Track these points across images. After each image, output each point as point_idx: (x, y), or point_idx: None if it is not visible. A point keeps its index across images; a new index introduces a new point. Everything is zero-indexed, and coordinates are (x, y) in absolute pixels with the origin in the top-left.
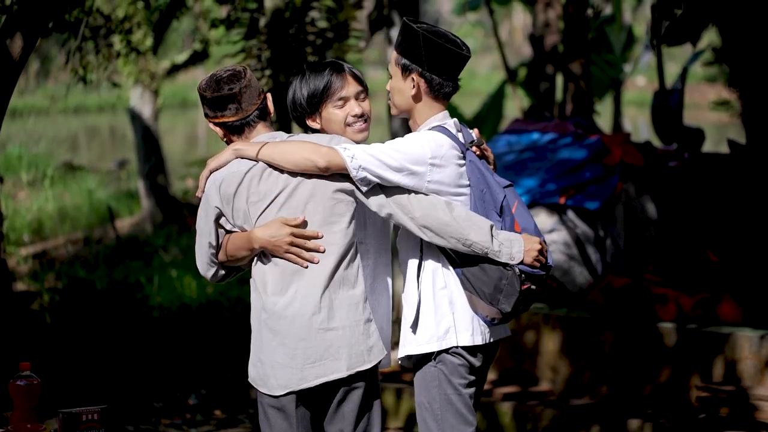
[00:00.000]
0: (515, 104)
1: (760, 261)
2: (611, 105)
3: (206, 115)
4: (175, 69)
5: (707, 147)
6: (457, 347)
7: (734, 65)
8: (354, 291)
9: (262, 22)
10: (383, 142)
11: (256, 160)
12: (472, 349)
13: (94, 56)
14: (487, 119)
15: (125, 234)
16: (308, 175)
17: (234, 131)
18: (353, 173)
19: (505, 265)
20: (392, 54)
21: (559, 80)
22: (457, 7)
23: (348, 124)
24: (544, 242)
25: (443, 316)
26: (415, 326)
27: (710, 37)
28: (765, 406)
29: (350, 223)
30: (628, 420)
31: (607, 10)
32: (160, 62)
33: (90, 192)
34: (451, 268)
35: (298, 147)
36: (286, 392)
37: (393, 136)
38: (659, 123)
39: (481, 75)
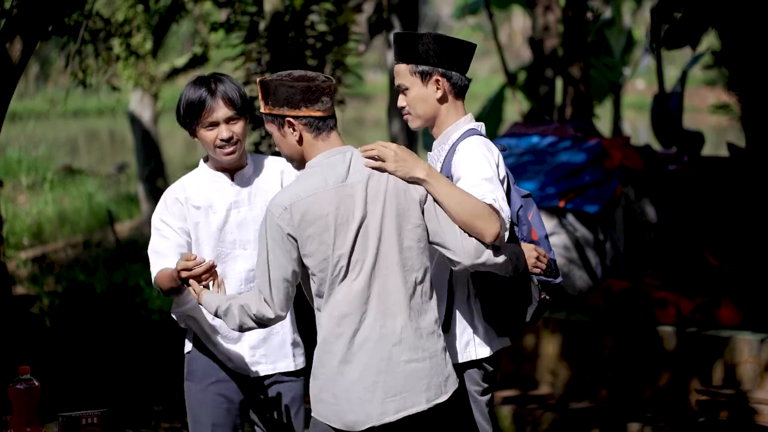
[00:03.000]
0: (515, 108)
1: (759, 264)
2: (611, 108)
3: (276, 107)
4: (174, 72)
5: (707, 150)
6: (476, 359)
7: (734, 68)
8: (431, 318)
9: (262, 25)
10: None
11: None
12: (487, 359)
13: (94, 60)
14: (486, 122)
15: (125, 237)
16: (391, 200)
17: (315, 129)
18: (507, 225)
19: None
20: (399, 68)
21: (559, 84)
22: (457, 11)
23: (217, 147)
24: (549, 252)
25: (465, 328)
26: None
27: (710, 40)
28: (764, 410)
29: (425, 248)
30: (627, 423)
31: (607, 13)
32: (159, 66)
33: (90, 195)
34: (470, 279)
35: (471, 201)
36: (366, 428)
37: (392, 139)
38: (659, 126)
39: (480, 78)
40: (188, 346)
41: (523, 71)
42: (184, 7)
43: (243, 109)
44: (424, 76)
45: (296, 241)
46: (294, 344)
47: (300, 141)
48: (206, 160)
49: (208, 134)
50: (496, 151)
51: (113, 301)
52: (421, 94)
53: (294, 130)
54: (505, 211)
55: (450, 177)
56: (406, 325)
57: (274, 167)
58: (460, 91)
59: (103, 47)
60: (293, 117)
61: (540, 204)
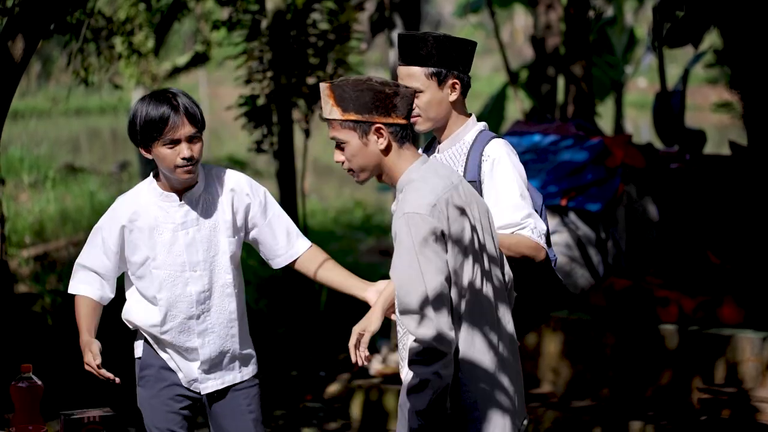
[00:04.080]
0: (516, 106)
1: (761, 263)
2: (613, 107)
3: (362, 113)
4: (176, 71)
5: (709, 149)
6: None
7: (736, 67)
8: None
9: (264, 24)
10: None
11: None
12: None
13: (96, 58)
14: (488, 121)
15: None
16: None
17: (400, 138)
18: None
19: None
20: (411, 71)
21: (561, 82)
22: (459, 9)
23: (177, 166)
24: (549, 250)
25: None
26: None
27: (712, 38)
28: (766, 408)
29: None
30: (629, 422)
31: (609, 12)
32: (161, 64)
33: (91, 194)
34: None
35: (515, 240)
36: None
37: None
38: (661, 125)
39: (482, 77)
40: (138, 350)
41: (525, 69)
42: (185, 5)
43: (203, 127)
44: (441, 80)
45: (447, 241)
46: (243, 358)
47: (387, 150)
48: (156, 176)
49: (168, 152)
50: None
51: (114, 299)
52: (437, 98)
53: (382, 137)
54: (541, 230)
55: (478, 182)
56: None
57: (225, 185)
58: (466, 91)
59: (105, 45)
60: (384, 124)
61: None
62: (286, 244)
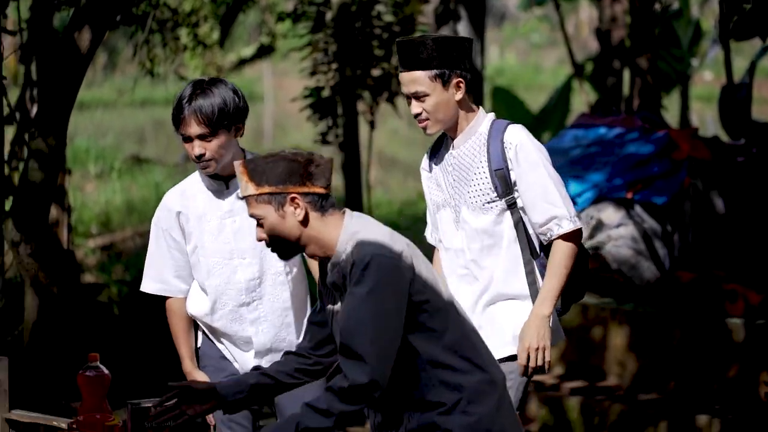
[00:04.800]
0: (582, 99)
1: None
2: (678, 100)
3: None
4: (241, 63)
5: None
6: None
7: None
8: None
9: (329, 15)
10: None
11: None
12: None
13: (161, 49)
14: (553, 113)
15: None
16: None
17: (320, 207)
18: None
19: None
20: (415, 76)
21: (626, 75)
22: (523, 2)
23: (193, 159)
24: None
25: None
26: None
27: None
28: None
29: None
30: (695, 416)
31: (675, 4)
32: (226, 56)
33: (157, 185)
34: (537, 258)
35: (565, 264)
36: None
37: None
38: (727, 118)
39: (547, 69)
40: (198, 341)
41: (590, 62)
42: None
43: (220, 125)
44: (445, 81)
45: (416, 279)
46: None
47: (305, 221)
48: None
49: (186, 146)
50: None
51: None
52: (442, 100)
53: (298, 207)
54: (571, 212)
55: (505, 169)
56: None
57: None
58: (471, 87)
59: (170, 37)
60: (299, 194)
61: (607, 195)
62: None
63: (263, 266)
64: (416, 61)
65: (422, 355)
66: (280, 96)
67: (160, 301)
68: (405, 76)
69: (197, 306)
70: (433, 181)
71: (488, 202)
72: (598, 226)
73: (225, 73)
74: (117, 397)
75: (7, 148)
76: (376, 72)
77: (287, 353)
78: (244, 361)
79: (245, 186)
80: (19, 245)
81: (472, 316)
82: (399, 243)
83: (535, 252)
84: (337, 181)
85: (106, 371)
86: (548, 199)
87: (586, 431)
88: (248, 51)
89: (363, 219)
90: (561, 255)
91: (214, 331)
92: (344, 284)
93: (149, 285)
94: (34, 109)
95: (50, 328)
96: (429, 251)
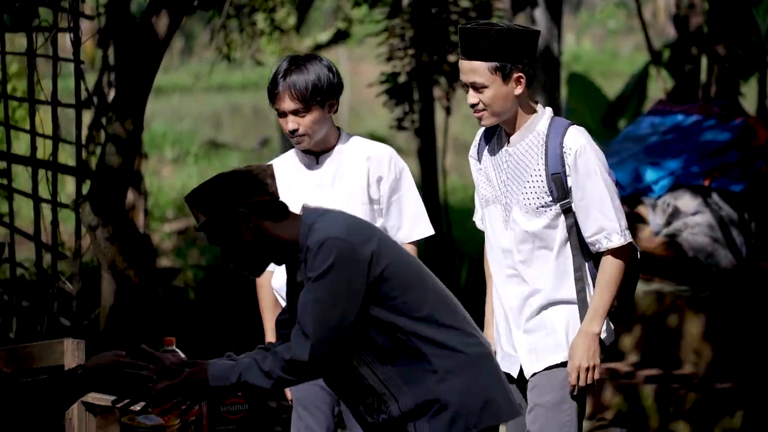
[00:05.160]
0: (659, 85)
1: None
2: (756, 87)
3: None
4: (317, 48)
5: None
6: None
7: None
8: None
9: (405, 1)
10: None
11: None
12: None
13: (238, 34)
14: (630, 100)
15: None
16: None
17: (272, 215)
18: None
19: None
20: (474, 66)
21: (704, 62)
22: None
23: (289, 135)
24: None
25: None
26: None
27: None
28: None
29: None
30: None
31: None
32: (302, 41)
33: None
34: (587, 263)
35: (614, 280)
36: None
37: None
38: None
39: (623, 56)
40: None
41: (668, 49)
42: None
43: (313, 100)
44: (506, 74)
45: (380, 259)
46: None
47: (258, 232)
48: None
49: (280, 119)
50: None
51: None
52: (501, 93)
53: (250, 222)
54: (623, 226)
55: (562, 174)
56: None
57: (364, 153)
58: (532, 82)
59: (247, 22)
60: (245, 209)
61: (684, 182)
62: (409, 226)
63: None
64: (478, 50)
65: (403, 328)
66: (356, 81)
67: (235, 285)
68: (465, 65)
69: (279, 279)
70: (483, 174)
71: (542, 206)
72: (675, 214)
73: None
74: None
75: (84, 133)
76: (452, 57)
77: (260, 348)
78: None
79: (197, 219)
80: (96, 229)
81: (519, 318)
82: (358, 226)
83: (586, 257)
84: (413, 166)
85: (182, 355)
86: (602, 209)
87: (660, 419)
88: (324, 36)
89: (320, 210)
90: (610, 271)
91: None
92: (304, 269)
93: None
94: (112, 94)
95: (126, 312)
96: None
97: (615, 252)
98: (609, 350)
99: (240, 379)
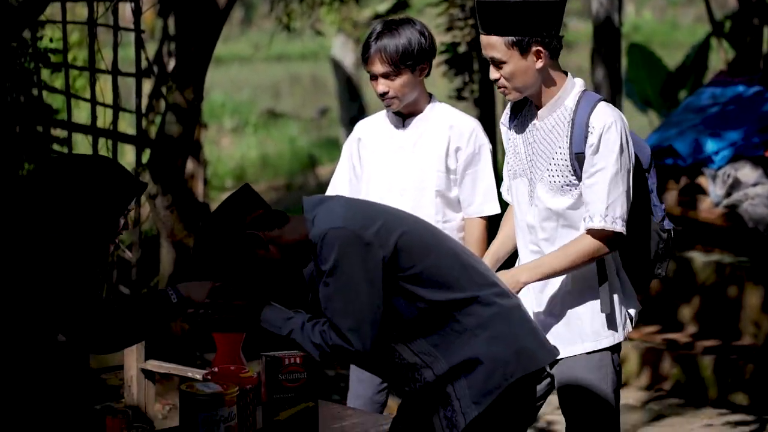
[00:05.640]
0: (720, 56)
1: None
2: None
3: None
4: (377, 17)
5: None
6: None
7: None
8: None
9: None
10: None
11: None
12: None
13: (298, 4)
14: (690, 71)
15: (326, 181)
16: None
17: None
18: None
19: (661, 228)
20: (491, 41)
21: (766, 32)
22: None
23: (380, 97)
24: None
25: (624, 302)
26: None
27: None
28: None
29: None
30: None
31: None
32: (362, 11)
33: (292, 139)
34: None
35: (576, 251)
36: None
37: (596, 88)
38: None
39: (684, 26)
40: None
41: (729, 20)
42: None
43: (403, 64)
44: (523, 49)
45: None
46: None
47: (273, 254)
48: None
49: (371, 81)
50: (626, 123)
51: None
52: (520, 67)
53: (265, 251)
54: (615, 216)
55: (584, 155)
56: None
57: (448, 121)
58: (557, 53)
59: None
60: (255, 239)
61: (744, 153)
62: (480, 201)
63: (416, 209)
64: (494, 24)
65: (425, 297)
66: None
67: None
68: (483, 39)
69: None
70: (512, 146)
71: (567, 185)
72: (735, 185)
73: (360, 28)
74: (251, 349)
75: (144, 102)
76: None
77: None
78: None
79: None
80: (156, 198)
81: (540, 296)
82: (356, 210)
83: None
84: None
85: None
86: (598, 189)
87: (719, 390)
88: (384, 6)
89: (316, 200)
90: (578, 247)
91: None
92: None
93: None
94: (171, 63)
95: (185, 281)
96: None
97: (593, 233)
98: (667, 321)
99: (290, 335)
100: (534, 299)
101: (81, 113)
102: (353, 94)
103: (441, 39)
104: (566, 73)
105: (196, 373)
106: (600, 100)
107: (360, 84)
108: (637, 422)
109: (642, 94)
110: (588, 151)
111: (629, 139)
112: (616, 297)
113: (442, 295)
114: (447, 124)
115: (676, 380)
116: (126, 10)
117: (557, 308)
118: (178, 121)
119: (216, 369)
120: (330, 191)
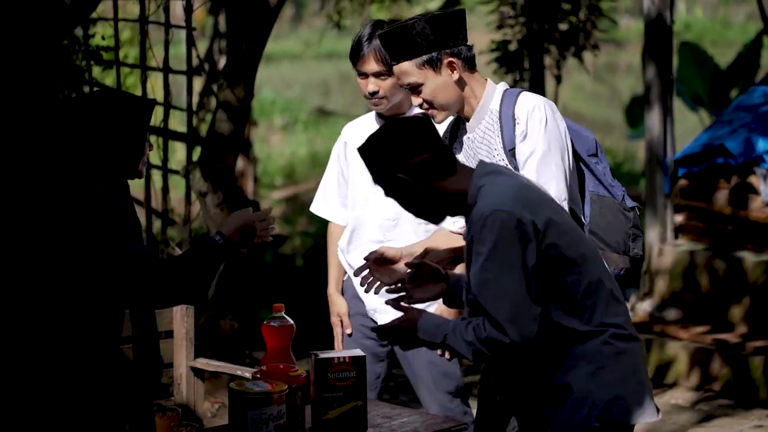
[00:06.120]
0: None
1: None
2: None
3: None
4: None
5: None
6: None
7: None
8: None
9: None
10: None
11: None
12: None
13: (349, 2)
14: (742, 69)
15: None
16: None
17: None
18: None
19: (624, 207)
20: (402, 68)
21: None
22: None
23: (366, 96)
24: None
25: None
26: None
27: None
28: None
29: None
30: None
31: None
32: (412, 8)
33: None
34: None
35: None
36: None
37: (646, 87)
38: None
39: (735, 24)
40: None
41: None
42: None
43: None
44: (434, 65)
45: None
46: None
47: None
48: None
49: (360, 81)
50: (553, 106)
51: None
52: (438, 84)
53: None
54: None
55: (513, 150)
56: None
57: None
58: (471, 63)
59: None
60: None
61: None
62: None
63: (402, 210)
64: (400, 51)
65: (550, 312)
66: None
67: None
68: (395, 70)
69: (342, 238)
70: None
71: None
72: None
73: None
74: (300, 347)
75: (195, 100)
76: (563, 26)
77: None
78: (371, 298)
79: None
80: (206, 195)
81: None
82: (527, 196)
83: None
84: None
85: (290, 322)
86: (529, 170)
87: None
88: (434, 4)
89: (491, 169)
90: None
91: (351, 267)
92: (471, 239)
93: (315, 206)
94: (222, 61)
95: (235, 279)
96: None
97: None
98: (717, 321)
99: (445, 341)
100: None
101: None
102: None
103: (491, 37)
104: (486, 80)
105: (245, 372)
106: (521, 92)
107: None
108: (686, 423)
109: (693, 93)
110: (518, 141)
111: (558, 119)
112: None
113: (566, 321)
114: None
115: (726, 381)
116: (177, 8)
117: None
118: (228, 118)
119: (265, 367)
120: (319, 195)
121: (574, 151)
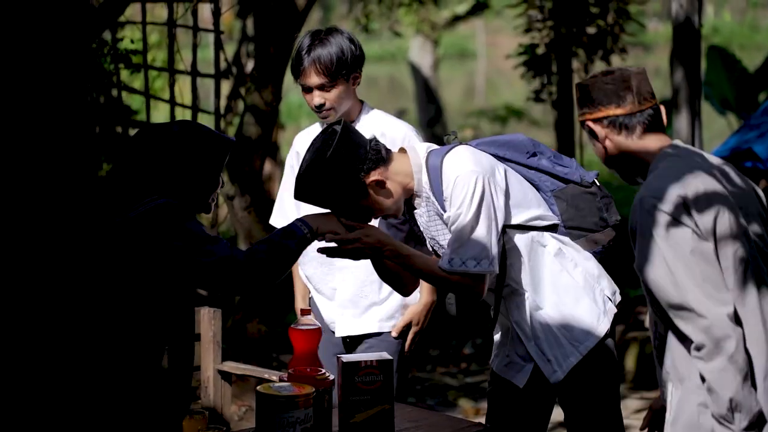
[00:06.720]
0: None
1: None
2: None
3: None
4: (455, 19)
5: None
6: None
7: None
8: None
9: None
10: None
11: None
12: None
13: (377, 5)
14: None
15: None
16: None
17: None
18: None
19: (586, 186)
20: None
21: None
22: None
23: (315, 110)
24: None
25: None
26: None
27: None
28: None
29: None
30: None
31: None
32: (440, 12)
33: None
34: (548, 234)
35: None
36: None
37: (675, 90)
38: None
39: (764, 28)
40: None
41: None
42: None
43: (339, 74)
44: (362, 195)
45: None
46: (384, 309)
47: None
48: None
49: (305, 96)
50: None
51: None
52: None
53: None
54: (466, 258)
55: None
56: None
57: (378, 128)
58: (386, 159)
59: None
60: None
61: None
62: None
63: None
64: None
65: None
66: (493, 53)
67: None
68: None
69: (309, 267)
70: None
71: None
72: None
73: (439, 30)
74: None
75: (222, 103)
76: (591, 29)
77: None
78: (329, 309)
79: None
80: (234, 199)
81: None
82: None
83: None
84: (549, 139)
85: (318, 325)
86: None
87: None
88: (462, 8)
89: (680, 151)
90: (438, 274)
91: (310, 278)
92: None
93: (273, 219)
94: (250, 64)
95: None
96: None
97: (446, 273)
98: None
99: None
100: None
101: (160, 114)
102: (431, 96)
103: (519, 40)
104: (406, 153)
105: (273, 375)
106: (443, 159)
107: (437, 86)
108: None
109: (721, 97)
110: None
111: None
112: (582, 286)
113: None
114: (379, 132)
115: None
116: (205, 11)
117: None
118: (256, 122)
119: (292, 370)
120: (276, 207)
121: (519, 162)
